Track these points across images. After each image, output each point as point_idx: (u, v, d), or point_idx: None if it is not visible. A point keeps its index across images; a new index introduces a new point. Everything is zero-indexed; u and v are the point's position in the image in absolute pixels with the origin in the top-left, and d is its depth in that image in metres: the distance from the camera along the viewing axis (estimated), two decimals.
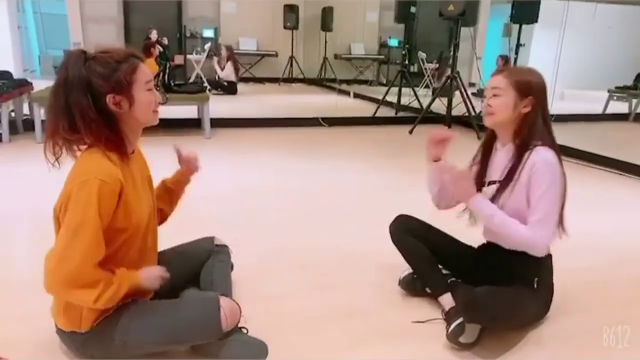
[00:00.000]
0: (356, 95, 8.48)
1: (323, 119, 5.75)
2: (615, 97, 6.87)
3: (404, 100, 6.63)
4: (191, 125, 5.03)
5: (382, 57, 11.08)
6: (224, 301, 1.43)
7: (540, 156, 1.54)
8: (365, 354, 1.56)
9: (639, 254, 2.45)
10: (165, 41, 8.39)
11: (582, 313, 1.84)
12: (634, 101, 6.73)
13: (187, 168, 1.73)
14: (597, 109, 6.91)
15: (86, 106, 1.26)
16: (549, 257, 1.69)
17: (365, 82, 10.66)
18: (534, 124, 1.58)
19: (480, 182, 1.71)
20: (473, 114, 5.45)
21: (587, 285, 2.05)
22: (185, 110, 4.89)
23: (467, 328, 1.58)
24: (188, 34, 9.37)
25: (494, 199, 1.63)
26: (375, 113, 6.31)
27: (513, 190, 1.58)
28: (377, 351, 1.58)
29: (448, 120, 5.86)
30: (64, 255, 1.22)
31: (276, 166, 3.91)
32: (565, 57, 10.34)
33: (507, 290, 1.57)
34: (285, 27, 10.23)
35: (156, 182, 1.64)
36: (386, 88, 6.93)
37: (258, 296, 1.85)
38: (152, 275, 1.41)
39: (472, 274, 1.79)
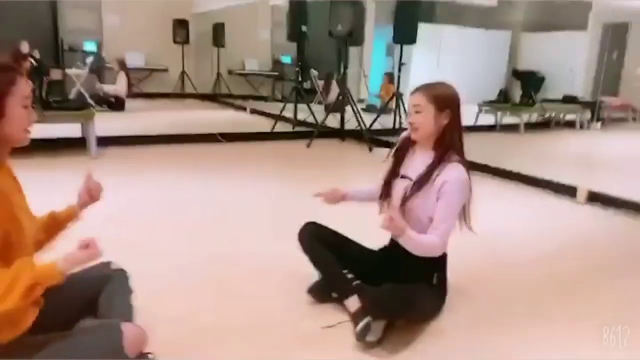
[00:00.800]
0: (253, 111, 8.49)
1: (221, 134, 5.66)
2: (483, 110, 7.74)
3: (300, 116, 6.80)
4: (74, 144, 4.63)
5: (277, 73, 11.25)
6: (126, 327, 1.35)
7: (456, 172, 1.71)
8: None
9: (511, 243, 2.78)
10: (37, 54, 7.64)
11: (474, 304, 2.04)
12: (499, 113, 7.64)
13: (89, 197, 1.57)
14: (470, 121, 7.74)
15: None
16: (444, 255, 1.86)
17: (261, 98, 10.72)
18: (453, 134, 1.75)
19: (394, 174, 1.86)
20: (364, 127, 5.77)
21: (470, 278, 2.27)
22: (66, 129, 4.50)
23: (373, 327, 1.66)
24: (66, 47, 8.66)
25: (407, 196, 1.76)
26: (273, 128, 6.38)
27: (426, 192, 1.72)
28: (291, 359, 1.59)
29: (342, 134, 6.14)
30: None
31: (173, 183, 3.76)
32: (441, 74, 11.43)
33: (409, 286, 1.70)
34: (175, 42, 9.94)
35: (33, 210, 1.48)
36: (282, 104, 7.05)
37: (165, 318, 1.76)
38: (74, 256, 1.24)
39: (376, 275, 1.89)
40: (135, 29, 9.60)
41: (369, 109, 9.20)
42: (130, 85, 7.74)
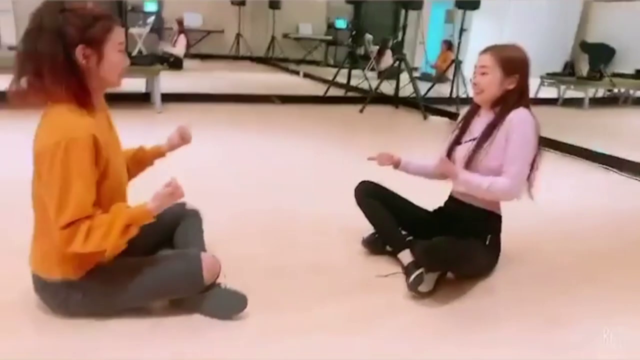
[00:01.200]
0: (306, 75, 8.53)
1: (276, 96, 5.77)
2: (546, 83, 7.39)
3: (353, 82, 6.77)
4: (139, 99, 4.88)
5: (330, 38, 11.16)
6: (204, 256, 1.50)
7: (517, 115, 1.70)
8: (334, 306, 1.68)
9: (570, 215, 2.74)
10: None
11: (525, 267, 2.06)
12: (562, 87, 7.28)
13: (181, 139, 1.74)
14: (531, 94, 7.43)
15: (54, 52, 1.24)
16: (499, 218, 1.88)
17: (313, 62, 10.72)
18: (518, 100, 1.73)
19: (457, 142, 1.87)
20: (419, 95, 5.69)
21: (526, 244, 2.29)
22: (130, 84, 4.73)
23: (427, 279, 1.74)
24: (129, 7, 8.93)
25: (472, 154, 1.76)
26: (326, 92, 6.41)
27: (490, 148, 1.72)
28: (344, 303, 1.70)
29: (395, 101, 6.09)
30: (60, 208, 1.23)
31: (234, 141, 3.92)
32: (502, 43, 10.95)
33: (462, 241, 1.75)
34: (232, 3, 10.03)
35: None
36: (333, 69, 7.03)
37: (231, 256, 1.90)
38: (160, 195, 1.39)
39: (428, 234, 1.94)
40: None
41: (424, 77, 9.01)
42: (188, 43, 7.94)
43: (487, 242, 1.84)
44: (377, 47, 9.50)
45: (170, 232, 1.75)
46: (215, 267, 1.51)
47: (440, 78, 7.32)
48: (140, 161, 1.68)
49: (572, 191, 3.31)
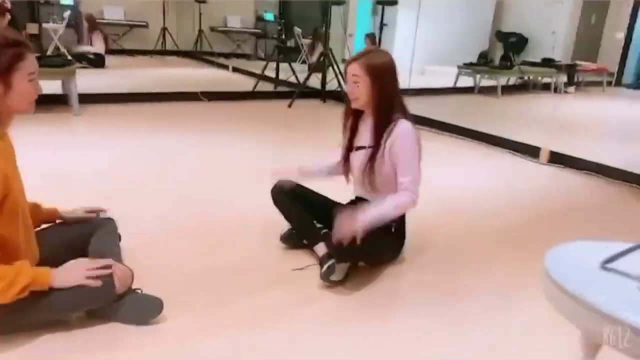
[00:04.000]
0: (235, 70, 8.47)
1: (202, 93, 5.72)
2: (463, 73, 7.87)
3: (282, 76, 6.84)
4: (56, 101, 4.66)
5: (259, 31, 11.11)
6: (115, 266, 1.53)
7: (403, 126, 1.87)
8: (254, 301, 1.78)
9: (470, 198, 3.01)
10: (8, 4, 7.42)
11: (430, 250, 2.27)
12: (478, 76, 7.78)
13: (84, 219, 1.78)
14: (450, 83, 7.87)
15: None
16: None
17: (243, 55, 10.63)
18: (390, 100, 1.89)
19: (350, 148, 2.02)
20: (343, 89, 5.87)
21: (431, 228, 2.50)
22: (46, 86, 4.51)
23: (337, 269, 1.88)
24: (42, 0, 8.40)
25: (369, 162, 1.92)
26: (255, 87, 6.43)
27: (383, 156, 1.89)
28: (264, 297, 1.80)
29: (323, 94, 6.24)
30: None
31: (156, 140, 3.87)
32: (424, 35, 11.41)
33: (368, 232, 1.90)
34: None
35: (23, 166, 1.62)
36: (263, 62, 7.05)
37: (150, 261, 1.95)
38: (70, 274, 1.43)
39: None
40: None
41: None
42: (106, 40, 7.62)
43: (393, 230, 2.01)
44: (308, 40, 9.60)
45: (84, 243, 1.75)
46: (127, 275, 1.55)
47: None
48: (35, 216, 1.65)
49: (472, 175, 3.61)
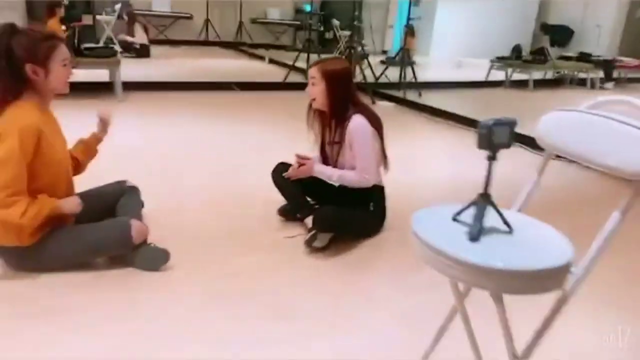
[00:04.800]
0: (272, 61, 8.83)
1: (235, 83, 6.12)
2: (495, 66, 7.88)
3: None
4: (103, 88, 5.18)
5: (298, 22, 11.43)
6: (133, 221, 1.91)
7: (353, 123, 2.14)
8: (249, 260, 2.12)
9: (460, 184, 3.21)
10: (66, 1, 8.12)
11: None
12: (509, 70, 7.78)
13: (102, 128, 2.13)
14: (482, 77, 7.92)
15: (2, 67, 1.63)
16: (381, 188, 2.34)
17: (282, 47, 11.01)
18: (344, 102, 2.16)
19: (323, 143, 2.32)
20: (364, 81, 6.09)
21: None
22: (96, 74, 5.05)
23: (321, 237, 2.18)
24: None
25: (337, 157, 2.23)
26: (285, 78, 6.76)
27: (345, 150, 2.19)
28: (255, 257, 2.15)
29: None
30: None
31: (186, 125, 4.30)
32: (464, 28, 11.38)
33: (347, 209, 2.20)
34: None
35: (70, 142, 2.03)
36: (303, 54, 7.31)
37: (166, 222, 2.34)
38: (70, 201, 1.84)
39: (331, 202, 2.39)
40: None
41: (386, 61, 9.38)
42: (147, 31, 8.14)
43: (371, 209, 2.29)
44: (345, 32, 9.81)
45: (112, 206, 2.14)
46: (143, 230, 1.93)
47: (393, 61, 7.70)
48: (84, 151, 2.09)
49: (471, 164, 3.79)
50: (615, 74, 8.54)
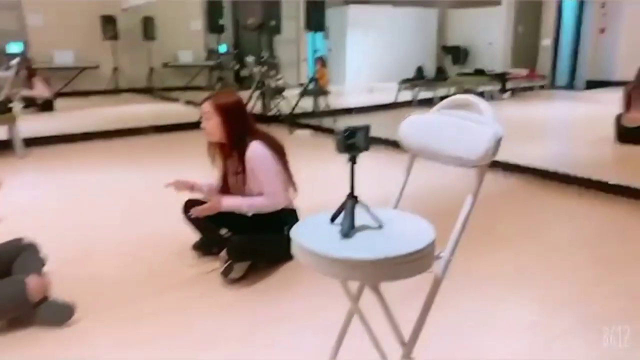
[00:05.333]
0: (187, 102, 8.78)
1: (152, 127, 6.01)
2: (403, 88, 8.39)
3: None
4: (1, 147, 4.88)
5: (212, 63, 11.49)
6: (30, 278, 1.80)
7: (251, 150, 2.17)
8: (166, 299, 2.07)
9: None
10: None
11: None
12: (416, 90, 8.31)
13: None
14: (391, 99, 8.38)
15: None
16: (293, 211, 2.38)
17: (198, 88, 10.96)
18: (240, 132, 2.18)
19: (226, 174, 2.32)
20: (278, 113, 6.25)
21: None
22: None
23: (237, 268, 2.18)
24: None
25: (245, 185, 2.24)
26: (200, 117, 6.73)
27: (249, 180, 2.21)
28: (171, 295, 2.10)
29: (266, 119, 6.61)
30: None
31: (92, 176, 4.12)
32: (373, 55, 12.04)
33: (258, 236, 2.23)
34: (105, 38, 10.00)
35: None
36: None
37: (72, 278, 2.22)
38: None
39: (245, 230, 2.39)
40: (62, 27, 9.60)
41: (302, 92, 9.65)
42: (47, 84, 7.81)
43: (285, 232, 2.33)
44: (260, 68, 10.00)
45: (8, 266, 2.01)
46: (41, 286, 1.82)
47: (309, 92, 7.95)
48: None
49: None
50: (511, 85, 9.40)
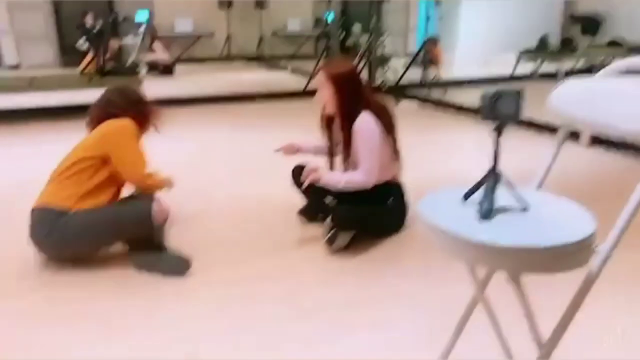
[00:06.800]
0: (294, 71, 8.89)
1: (261, 94, 6.18)
2: (523, 59, 7.66)
3: None
4: None
5: (318, 31, 11.48)
6: (156, 201, 1.93)
7: (360, 121, 2.07)
8: (270, 262, 2.10)
9: None
10: (99, 25, 8.44)
11: None
12: (538, 62, 7.54)
13: None
14: (508, 71, 7.70)
15: None
16: (398, 185, 2.28)
17: (305, 57, 11.06)
18: (353, 103, 2.09)
19: (332, 146, 2.27)
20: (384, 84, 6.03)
21: None
22: None
23: (342, 236, 2.14)
24: (121, 18, 9.40)
25: (345, 157, 2.17)
26: (306, 87, 6.78)
27: (354, 151, 2.12)
28: (278, 258, 2.13)
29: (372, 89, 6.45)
30: None
31: (211, 138, 4.35)
32: (489, 25, 11.15)
33: (363, 207, 2.16)
34: (220, 7, 10.42)
35: None
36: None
37: (189, 233, 2.35)
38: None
39: (350, 200, 2.33)
40: None
41: (410, 61, 9.24)
42: (168, 50, 8.33)
43: (390, 204, 2.23)
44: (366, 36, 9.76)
45: None
46: (164, 210, 1.95)
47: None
48: None
49: (505, 159, 3.65)
50: None
